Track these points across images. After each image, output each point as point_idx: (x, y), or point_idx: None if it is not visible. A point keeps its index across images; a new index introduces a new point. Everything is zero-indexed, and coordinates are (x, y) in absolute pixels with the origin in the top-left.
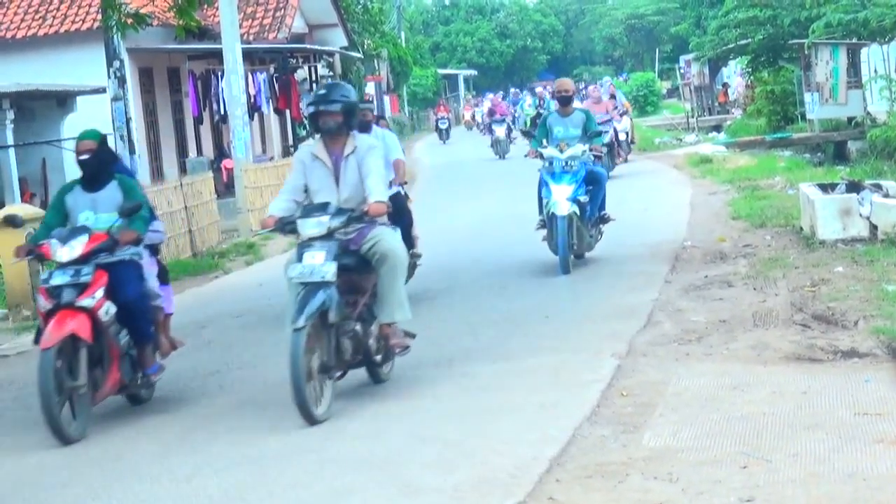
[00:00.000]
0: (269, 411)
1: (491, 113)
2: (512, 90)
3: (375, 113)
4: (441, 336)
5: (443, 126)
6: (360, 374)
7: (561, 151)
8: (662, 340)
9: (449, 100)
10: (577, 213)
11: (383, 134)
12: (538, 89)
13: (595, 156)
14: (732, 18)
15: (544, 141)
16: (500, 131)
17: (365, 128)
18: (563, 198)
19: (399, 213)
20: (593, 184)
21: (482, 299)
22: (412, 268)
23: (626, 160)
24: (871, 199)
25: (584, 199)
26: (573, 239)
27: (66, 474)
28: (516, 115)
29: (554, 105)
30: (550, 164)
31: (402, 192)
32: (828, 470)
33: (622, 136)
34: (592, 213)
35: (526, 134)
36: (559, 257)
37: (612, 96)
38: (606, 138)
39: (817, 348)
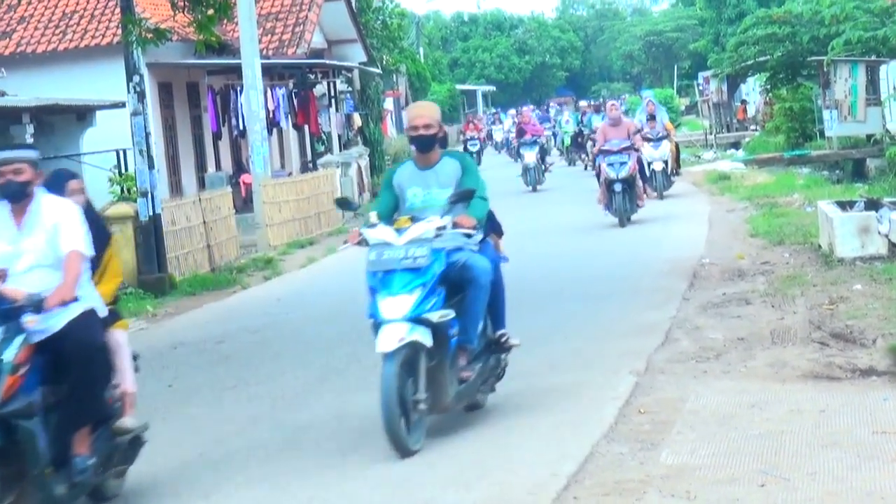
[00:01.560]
0: (287, 427)
1: (520, 132)
2: (550, 103)
3: None
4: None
5: (472, 148)
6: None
7: (398, 232)
8: (680, 358)
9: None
10: (424, 344)
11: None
12: (582, 103)
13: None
14: (751, 35)
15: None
16: (529, 157)
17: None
18: (394, 316)
19: None
20: (467, 287)
21: None
22: None
23: (660, 196)
24: (889, 217)
25: (438, 316)
26: (413, 394)
27: None
28: (555, 131)
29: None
30: (378, 256)
31: None
32: (846, 489)
33: (657, 167)
34: (468, 338)
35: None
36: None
37: (652, 116)
38: (625, 171)
39: (835, 366)
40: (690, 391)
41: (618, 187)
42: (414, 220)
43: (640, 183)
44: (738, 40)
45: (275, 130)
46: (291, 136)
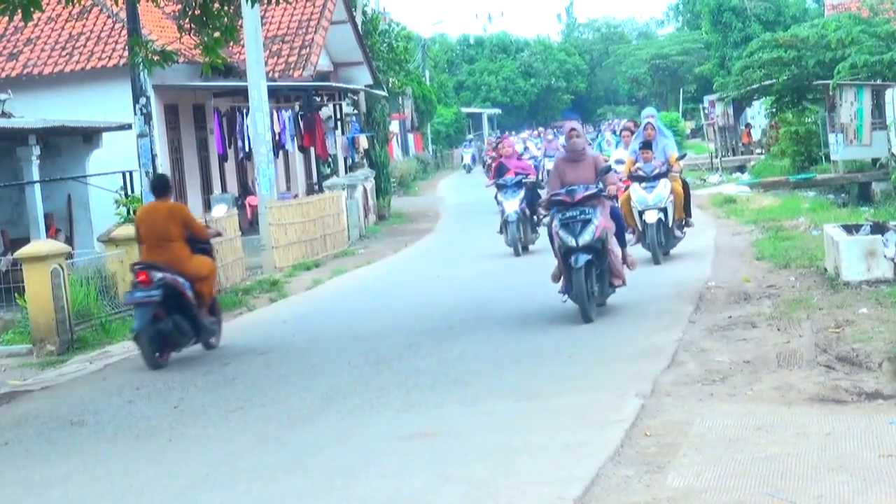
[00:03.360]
0: (292, 448)
1: (499, 171)
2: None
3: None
4: (465, 374)
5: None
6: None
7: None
8: (686, 380)
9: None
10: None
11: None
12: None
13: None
14: (757, 59)
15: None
16: (510, 205)
17: None
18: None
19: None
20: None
21: (506, 337)
22: None
23: (656, 260)
24: (895, 241)
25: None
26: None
27: None
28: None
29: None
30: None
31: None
32: None
33: (649, 218)
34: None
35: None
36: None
37: (648, 144)
38: (588, 235)
39: (841, 390)
40: (696, 414)
41: (579, 259)
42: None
43: (615, 251)
44: (744, 64)
45: (280, 153)
46: (297, 158)
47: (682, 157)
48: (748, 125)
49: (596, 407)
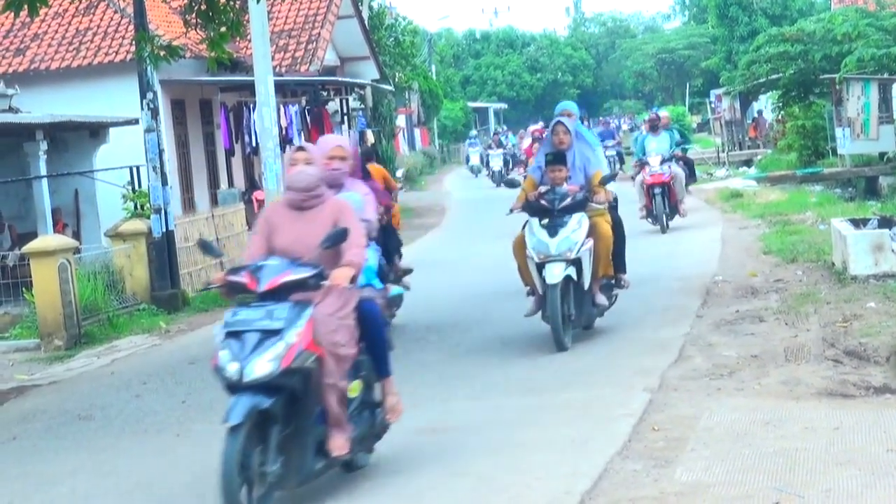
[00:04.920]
0: None
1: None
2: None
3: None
4: (472, 369)
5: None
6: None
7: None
8: (694, 375)
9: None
10: None
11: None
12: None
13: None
14: (763, 53)
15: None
16: None
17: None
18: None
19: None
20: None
21: (513, 332)
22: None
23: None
24: None
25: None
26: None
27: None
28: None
29: None
30: None
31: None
32: None
33: (550, 277)
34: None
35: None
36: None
37: (556, 158)
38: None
39: (849, 384)
40: (704, 408)
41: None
42: None
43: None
44: (751, 58)
45: (287, 147)
46: None
47: (686, 149)
48: (755, 119)
49: (603, 402)
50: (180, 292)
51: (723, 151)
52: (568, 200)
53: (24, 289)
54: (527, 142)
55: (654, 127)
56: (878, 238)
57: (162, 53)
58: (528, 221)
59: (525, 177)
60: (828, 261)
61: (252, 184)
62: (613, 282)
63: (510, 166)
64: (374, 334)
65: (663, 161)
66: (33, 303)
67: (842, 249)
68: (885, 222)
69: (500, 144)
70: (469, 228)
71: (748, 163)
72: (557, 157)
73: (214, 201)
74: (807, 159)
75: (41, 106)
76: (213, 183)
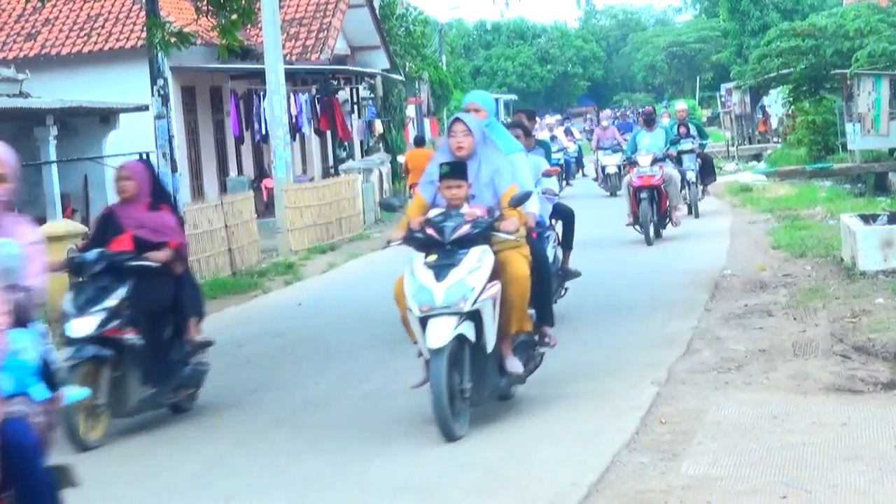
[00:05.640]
0: (307, 432)
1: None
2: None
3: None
4: None
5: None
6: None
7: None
8: (702, 368)
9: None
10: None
11: None
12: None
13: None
14: (775, 48)
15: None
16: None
17: None
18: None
19: None
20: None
21: None
22: None
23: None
24: None
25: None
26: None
27: (103, 493)
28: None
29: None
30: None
31: None
32: (867, 502)
33: (433, 338)
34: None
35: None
36: None
37: (454, 170)
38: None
39: (857, 379)
40: (712, 402)
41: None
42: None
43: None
44: (762, 52)
45: (297, 136)
46: (313, 141)
47: (703, 145)
48: (765, 113)
49: (611, 394)
50: None
51: (732, 145)
52: (465, 229)
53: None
54: (544, 134)
55: (648, 121)
56: (887, 234)
57: (173, 40)
58: (413, 258)
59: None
60: (837, 256)
61: (261, 172)
62: (537, 337)
63: None
64: (23, 471)
65: (655, 161)
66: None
67: (851, 245)
68: (894, 218)
69: None
70: None
71: (758, 157)
72: (455, 169)
73: (224, 189)
74: (816, 154)
75: (52, 91)
76: (223, 170)
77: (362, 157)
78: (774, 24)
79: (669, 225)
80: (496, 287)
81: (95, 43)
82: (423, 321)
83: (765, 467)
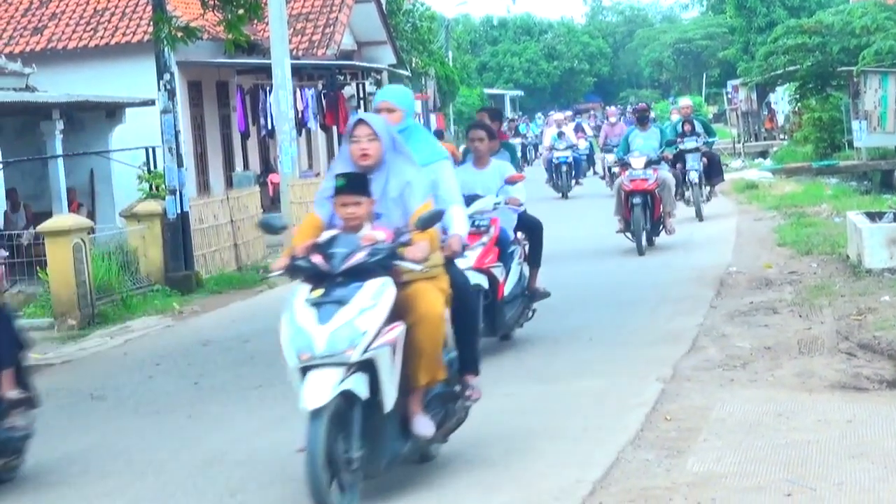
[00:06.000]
0: None
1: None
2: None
3: None
4: (485, 356)
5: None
6: None
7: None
8: (707, 365)
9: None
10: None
11: None
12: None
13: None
14: (781, 45)
15: None
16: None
17: None
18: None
19: None
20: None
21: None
22: None
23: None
24: None
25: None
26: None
27: (111, 483)
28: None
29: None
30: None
31: None
32: (873, 500)
33: (311, 399)
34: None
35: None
36: None
37: (353, 183)
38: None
39: (863, 377)
40: (717, 399)
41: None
42: None
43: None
44: (768, 49)
45: (303, 131)
46: (320, 136)
47: (711, 143)
48: (772, 110)
49: (616, 391)
50: (194, 274)
51: (739, 142)
52: (358, 257)
53: (38, 268)
54: (552, 131)
55: (641, 120)
56: (893, 231)
57: (179, 35)
58: (293, 294)
59: None
60: (842, 254)
61: (267, 167)
62: (458, 388)
63: (530, 160)
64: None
65: (649, 163)
66: (47, 282)
67: (857, 242)
68: None
69: (517, 133)
70: None
71: (764, 154)
72: (353, 182)
73: (229, 184)
74: (823, 152)
75: (58, 85)
76: (229, 165)
77: None
78: (781, 21)
79: (663, 233)
80: (398, 330)
81: (102, 37)
82: (304, 372)
83: (770, 465)
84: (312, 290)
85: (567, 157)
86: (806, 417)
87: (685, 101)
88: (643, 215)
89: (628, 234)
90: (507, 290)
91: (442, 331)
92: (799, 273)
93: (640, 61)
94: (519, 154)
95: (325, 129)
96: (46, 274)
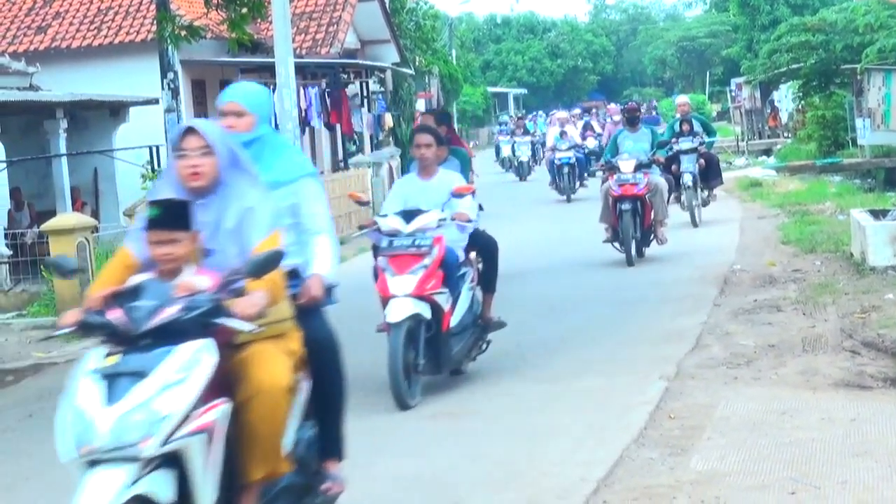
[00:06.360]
0: None
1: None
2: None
3: None
4: (488, 355)
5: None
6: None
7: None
8: (711, 364)
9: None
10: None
11: None
12: (611, 106)
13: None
14: (784, 42)
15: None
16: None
17: None
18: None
19: None
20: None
21: (530, 319)
22: None
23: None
24: None
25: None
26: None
27: None
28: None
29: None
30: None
31: None
32: (877, 498)
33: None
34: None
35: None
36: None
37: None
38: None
39: (867, 375)
40: (721, 397)
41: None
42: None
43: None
44: (772, 47)
45: (307, 129)
46: (323, 135)
47: (711, 143)
48: (775, 108)
49: (620, 389)
50: None
51: (742, 140)
52: (167, 313)
53: (42, 267)
54: (555, 129)
55: (631, 120)
56: None
57: (183, 33)
58: (83, 362)
59: None
60: (846, 251)
61: None
62: (316, 476)
63: (539, 157)
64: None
65: (639, 167)
66: (51, 280)
67: (861, 240)
68: None
69: (526, 131)
70: (486, 215)
71: (768, 152)
72: (170, 213)
73: None
74: (826, 149)
75: (62, 84)
76: None
77: (372, 150)
78: (785, 19)
79: (654, 243)
80: (218, 410)
81: (106, 36)
82: (93, 465)
83: (773, 463)
84: (108, 355)
85: (569, 158)
86: (810, 415)
87: (682, 98)
88: (632, 223)
89: (616, 244)
90: (454, 319)
91: (284, 408)
92: (803, 271)
93: (643, 59)
94: (530, 152)
95: (329, 127)
96: (50, 273)
